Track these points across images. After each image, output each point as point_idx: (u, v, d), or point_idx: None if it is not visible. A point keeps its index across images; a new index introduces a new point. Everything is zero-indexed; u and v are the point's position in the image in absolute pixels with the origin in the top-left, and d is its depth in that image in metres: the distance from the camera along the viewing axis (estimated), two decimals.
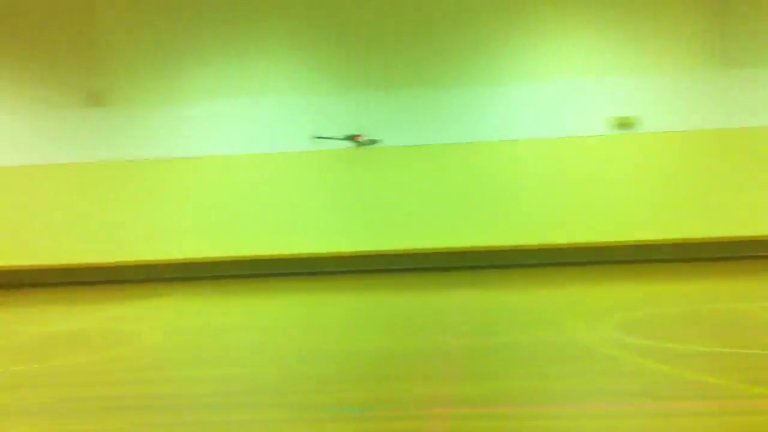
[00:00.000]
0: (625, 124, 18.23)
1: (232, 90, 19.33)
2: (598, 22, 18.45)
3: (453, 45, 18.77)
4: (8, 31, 19.52)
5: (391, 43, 18.91)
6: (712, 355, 7.65)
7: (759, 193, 18.04)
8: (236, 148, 19.38)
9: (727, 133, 18.04)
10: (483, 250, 18.67)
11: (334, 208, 19.20)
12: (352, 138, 18.22)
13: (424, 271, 18.66)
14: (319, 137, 18.16)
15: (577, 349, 8.04)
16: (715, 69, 18.01)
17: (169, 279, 19.32)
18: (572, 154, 18.52)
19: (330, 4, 19.18)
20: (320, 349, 9.11)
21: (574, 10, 18.60)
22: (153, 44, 19.44)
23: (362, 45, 19.02)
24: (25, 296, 17.93)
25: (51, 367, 8.70)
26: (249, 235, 19.24)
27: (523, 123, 18.61)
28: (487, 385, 6.55)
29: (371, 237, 18.95)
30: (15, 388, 7.85)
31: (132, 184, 19.61)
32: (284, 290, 16.84)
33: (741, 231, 17.98)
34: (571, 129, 18.49)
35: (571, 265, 18.22)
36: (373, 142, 18.30)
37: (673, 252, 18.09)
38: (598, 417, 5.75)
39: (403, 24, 18.95)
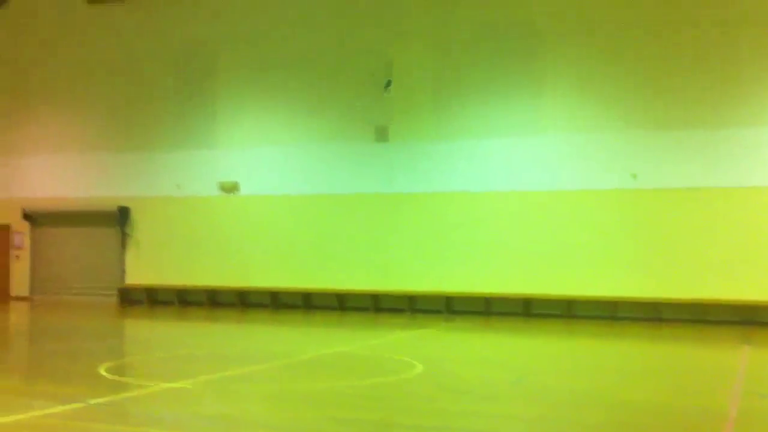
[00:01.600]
0: None
1: (513, 128, 19.20)
2: None
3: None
4: (307, 70, 21.06)
5: (668, 81, 18.01)
6: None
7: None
8: (507, 186, 19.18)
9: None
10: (745, 305, 17.07)
11: (593, 250, 18.27)
12: None
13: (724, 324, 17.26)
14: None
15: None
16: None
17: (430, 311, 19.48)
18: None
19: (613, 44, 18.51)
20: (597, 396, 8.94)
21: None
22: (433, 82, 19.93)
23: (641, 82, 18.25)
24: (307, 317, 19.14)
25: (322, 388, 9.19)
26: (515, 273, 18.80)
27: None
28: None
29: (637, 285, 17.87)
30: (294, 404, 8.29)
31: (408, 214, 20.04)
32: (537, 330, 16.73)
33: None
34: None
35: None
36: None
37: None
38: None
39: (683, 60, 17.94)
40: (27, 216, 23.46)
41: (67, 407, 7.66)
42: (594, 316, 18.28)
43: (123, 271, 22.58)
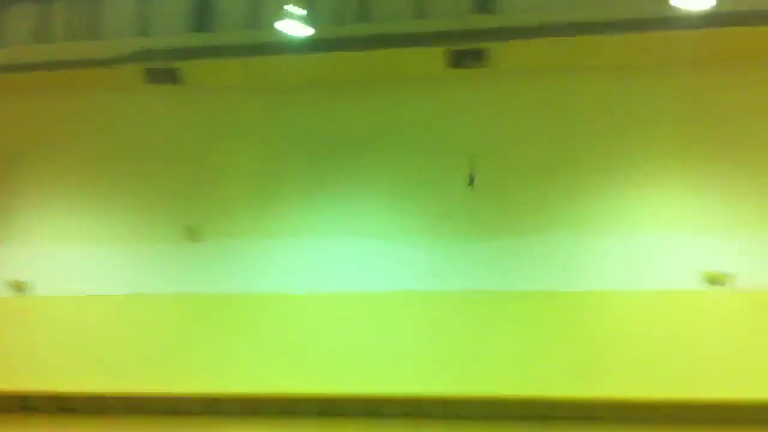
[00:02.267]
0: (717, 280, 18.01)
1: (326, 228, 19.60)
2: (696, 177, 18.48)
3: (546, 192, 18.84)
4: (113, 166, 20.63)
5: (489, 192, 18.86)
6: None
7: None
8: (323, 286, 19.39)
9: None
10: (555, 402, 17.92)
11: (400, 350, 18.74)
12: None
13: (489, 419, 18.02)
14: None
15: None
16: None
17: (235, 413, 18.95)
18: (663, 307, 18.11)
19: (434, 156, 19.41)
20: None
21: (672, 164, 18.60)
22: (251, 179, 20.18)
23: (456, 195, 19.02)
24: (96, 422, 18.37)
25: None
26: (321, 373, 18.82)
27: (614, 274, 18.36)
28: None
29: (442, 380, 18.41)
30: None
31: (214, 316, 19.70)
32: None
33: None
34: (663, 282, 18.13)
35: (653, 421, 17.53)
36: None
37: (755, 413, 17.33)
38: None
39: (498, 172, 18.96)
40: None
41: None
42: (396, 414, 18.44)
43: None
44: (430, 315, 18.94)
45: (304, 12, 17.80)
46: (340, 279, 19.47)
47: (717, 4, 14.96)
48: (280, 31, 18.49)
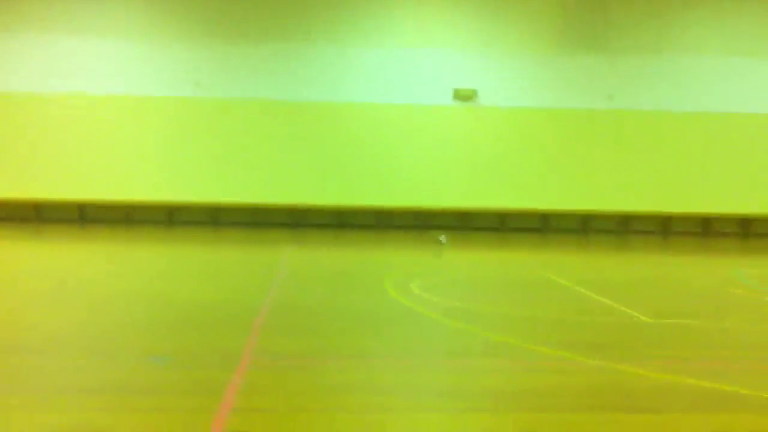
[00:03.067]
0: (465, 96, 19.47)
1: (58, 27, 18.80)
2: None
3: (309, 5, 19.13)
4: None
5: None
6: (509, 317, 8.39)
7: (576, 170, 19.75)
8: (49, 86, 18.98)
9: (555, 112, 19.57)
10: (297, 209, 19.21)
11: (156, 157, 19.16)
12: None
13: (245, 225, 19.14)
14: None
15: (381, 308, 8.63)
16: (553, 53, 19.54)
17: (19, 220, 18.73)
18: (415, 120, 19.41)
19: None
20: (129, 296, 9.07)
21: None
22: None
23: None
24: None
25: None
26: (47, 178, 18.94)
27: (376, 88, 19.36)
28: (295, 340, 6.89)
29: (196, 189, 19.19)
30: None
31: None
32: (95, 237, 16.53)
33: (553, 205, 19.64)
34: (417, 97, 19.40)
35: (384, 228, 19.30)
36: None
37: (486, 220, 19.60)
38: (399, 371, 6.14)
39: None
40: None
41: None
42: (198, 222, 19.55)
43: None
44: (176, 121, 19.33)
45: None
46: (80, 80, 19.05)
47: None
48: None
